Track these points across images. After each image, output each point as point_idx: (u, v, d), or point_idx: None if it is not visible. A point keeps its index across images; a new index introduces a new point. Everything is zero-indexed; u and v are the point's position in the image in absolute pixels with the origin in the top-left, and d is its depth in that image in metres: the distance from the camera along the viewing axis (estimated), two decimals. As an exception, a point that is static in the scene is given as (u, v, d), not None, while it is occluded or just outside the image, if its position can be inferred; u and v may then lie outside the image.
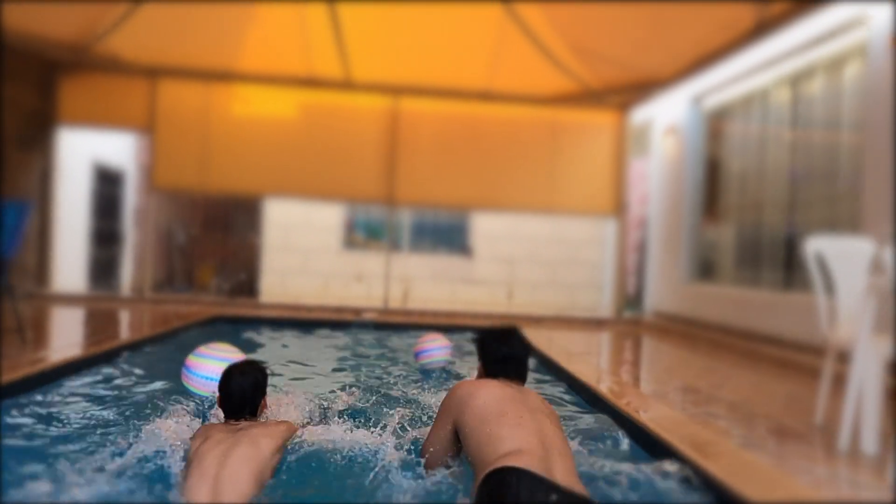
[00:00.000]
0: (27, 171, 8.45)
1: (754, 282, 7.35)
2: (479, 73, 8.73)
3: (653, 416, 3.54)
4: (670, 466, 2.70)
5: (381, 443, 2.71)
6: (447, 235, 11.33)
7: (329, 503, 2.42)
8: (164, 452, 2.45)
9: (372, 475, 2.47)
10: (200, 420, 3.02)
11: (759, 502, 2.39)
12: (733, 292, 7.59)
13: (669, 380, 5.18)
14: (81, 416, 3.24)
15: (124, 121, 9.14)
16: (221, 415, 2.73)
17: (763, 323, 6.58)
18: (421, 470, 2.54)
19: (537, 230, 10.79)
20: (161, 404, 3.06)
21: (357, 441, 2.69)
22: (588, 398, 4.11)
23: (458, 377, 4.40)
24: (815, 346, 4.72)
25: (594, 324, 8.99)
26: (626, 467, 2.66)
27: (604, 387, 4.35)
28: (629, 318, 9.35)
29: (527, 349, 2.79)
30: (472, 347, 5.12)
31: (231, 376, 2.71)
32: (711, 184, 8.45)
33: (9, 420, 3.07)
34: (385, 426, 2.87)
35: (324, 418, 3.14)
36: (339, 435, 2.75)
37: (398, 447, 2.71)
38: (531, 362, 5.08)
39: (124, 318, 7.51)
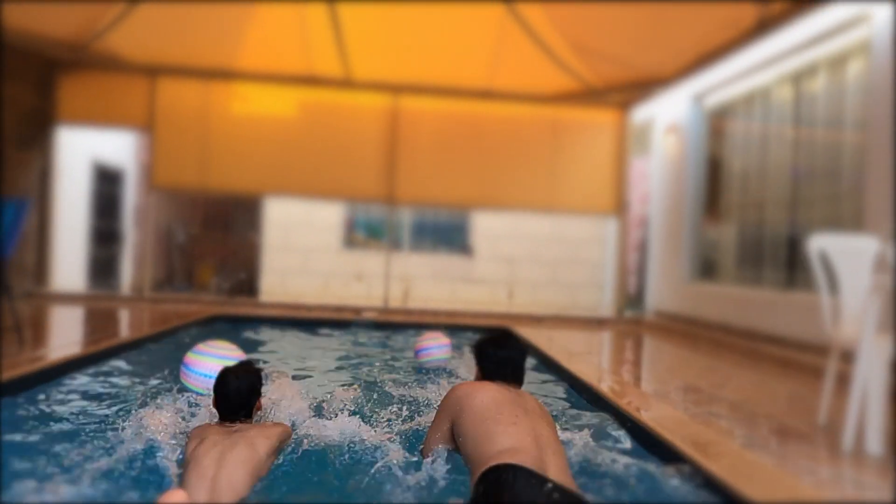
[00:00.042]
0: (26, 169, 8.43)
1: (756, 281, 7.32)
2: (479, 71, 8.70)
3: (654, 416, 3.51)
4: (672, 466, 2.68)
5: (381, 440, 2.72)
6: (447, 235, 11.31)
7: (329, 503, 2.40)
8: (157, 451, 2.43)
9: (371, 472, 2.48)
10: (192, 416, 3.00)
11: (761, 502, 2.36)
12: (735, 291, 7.56)
13: (671, 379, 5.15)
14: (75, 414, 3.23)
15: (124, 119, 9.12)
16: (215, 410, 2.73)
17: (765, 322, 6.55)
18: (420, 470, 2.54)
19: (538, 229, 10.76)
20: (158, 402, 3.04)
21: (356, 438, 2.70)
22: (589, 398, 4.08)
23: (458, 375, 4.38)
24: (818, 346, 4.70)
25: (595, 323, 8.96)
26: (627, 467, 2.64)
27: (605, 386, 4.32)
28: (630, 318, 9.32)
29: (523, 352, 2.88)
30: (471, 346, 5.13)
31: (227, 379, 2.71)
32: (713, 182, 8.41)
33: (5, 417, 3.05)
34: (384, 423, 2.87)
35: (323, 416, 3.13)
36: (339, 432, 2.75)
37: (397, 444, 2.71)
38: (531, 362, 5.07)
39: (123, 317, 7.49)
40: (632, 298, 9.99)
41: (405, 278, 9.78)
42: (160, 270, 9.95)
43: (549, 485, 2.17)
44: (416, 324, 6.89)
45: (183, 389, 3.46)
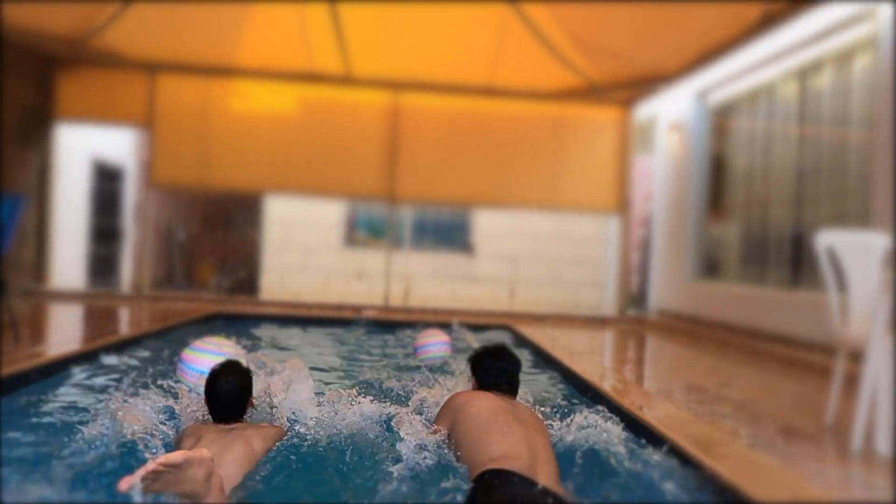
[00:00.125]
0: (25, 167, 8.39)
1: (760, 279, 7.25)
2: (481, 67, 8.64)
3: (658, 415, 3.45)
4: (674, 466, 2.64)
5: (380, 438, 2.72)
6: (449, 233, 11.26)
7: (329, 503, 2.39)
8: (143, 449, 2.38)
9: (370, 470, 2.49)
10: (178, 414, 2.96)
11: (768, 503, 2.30)
12: (739, 290, 7.49)
13: (674, 378, 5.10)
14: (67, 413, 3.19)
15: (123, 116, 9.08)
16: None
17: (769, 321, 6.48)
18: (418, 467, 2.55)
19: (539, 228, 10.70)
20: (150, 399, 2.99)
21: (356, 437, 2.70)
22: (591, 396, 4.03)
23: (453, 372, 4.34)
24: (823, 345, 4.63)
25: (597, 322, 8.90)
26: (628, 466, 2.59)
27: (607, 385, 4.26)
28: (633, 317, 9.26)
29: (517, 364, 3.04)
30: (471, 345, 5.08)
31: (217, 381, 2.70)
32: (716, 180, 8.35)
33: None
34: (384, 421, 2.84)
35: (322, 414, 3.09)
36: (338, 430, 2.74)
37: (397, 443, 2.68)
38: (531, 362, 5.05)
39: (123, 315, 7.44)
40: (634, 297, 9.92)
41: (406, 277, 9.72)
42: (160, 268, 9.90)
43: (537, 488, 2.25)
44: (417, 322, 6.83)
45: (170, 388, 3.40)
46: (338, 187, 9.43)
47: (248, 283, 10.03)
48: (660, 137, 9.39)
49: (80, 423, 2.70)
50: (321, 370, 4.67)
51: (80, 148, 9.53)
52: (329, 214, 10.87)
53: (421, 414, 3.01)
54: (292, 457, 2.56)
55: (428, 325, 5.45)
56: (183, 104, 8.95)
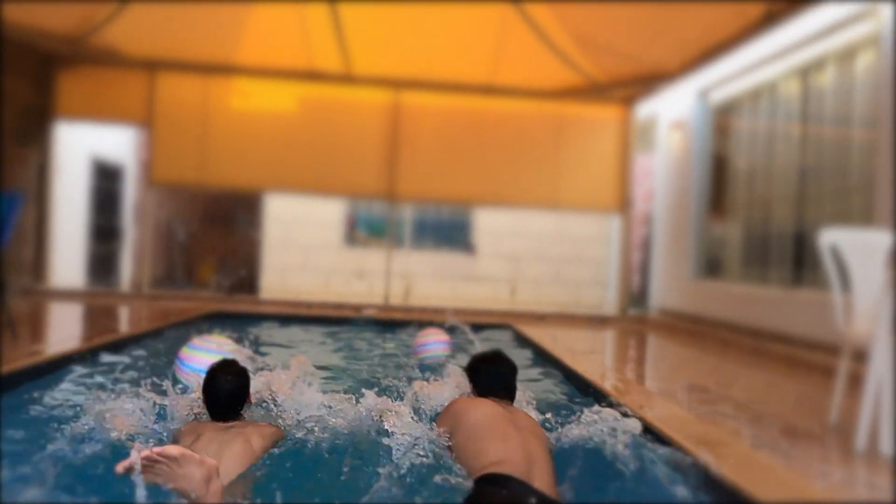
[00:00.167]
0: (24, 165, 8.37)
1: (762, 279, 7.22)
2: (482, 66, 8.61)
3: (659, 415, 3.42)
4: (676, 466, 2.60)
5: (380, 437, 2.68)
6: (449, 232, 11.23)
7: (329, 503, 2.39)
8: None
9: (370, 469, 2.47)
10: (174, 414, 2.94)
11: (770, 503, 2.28)
12: (741, 289, 7.46)
13: (676, 378, 5.07)
14: (63, 411, 3.16)
15: (122, 115, 9.05)
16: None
17: (771, 320, 6.45)
18: (418, 467, 2.52)
19: (541, 226, 10.67)
20: (149, 399, 2.97)
21: (355, 436, 2.69)
22: (593, 396, 4.00)
23: (449, 373, 4.32)
24: (826, 344, 4.60)
25: (598, 321, 8.87)
26: (630, 466, 2.56)
27: (608, 384, 4.24)
28: (634, 316, 9.23)
29: (513, 369, 3.06)
30: (471, 345, 5.06)
31: (215, 380, 2.69)
32: (718, 179, 8.32)
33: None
34: (383, 420, 2.81)
35: (321, 413, 3.07)
36: (337, 429, 2.73)
37: (396, 441, 2.64)
38: (532, 361, 5.02)
39: (122, 313, 7.42)
40: (635, 296, 9.90)
41: (406, 276, 9.69)
42: (160, 267, 9.88)
43: (533, 492, 2.29)
44: (417, 321, 6.80)
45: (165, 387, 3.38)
46: (338, 186, 9.41)
47: (248, 282, 10.01)
48: (661, 136, 9.36)
49: (75, 421, 2.68)
50: (323, 368, 4.65)
51: (79, 146, 9.51)
52: (329, 213, 10.85)
53: (418, 410, 3.01)
54: (294, 455, 2.55)
55: (427, 324, 5.43)
56: (183, 102, 8.92)
